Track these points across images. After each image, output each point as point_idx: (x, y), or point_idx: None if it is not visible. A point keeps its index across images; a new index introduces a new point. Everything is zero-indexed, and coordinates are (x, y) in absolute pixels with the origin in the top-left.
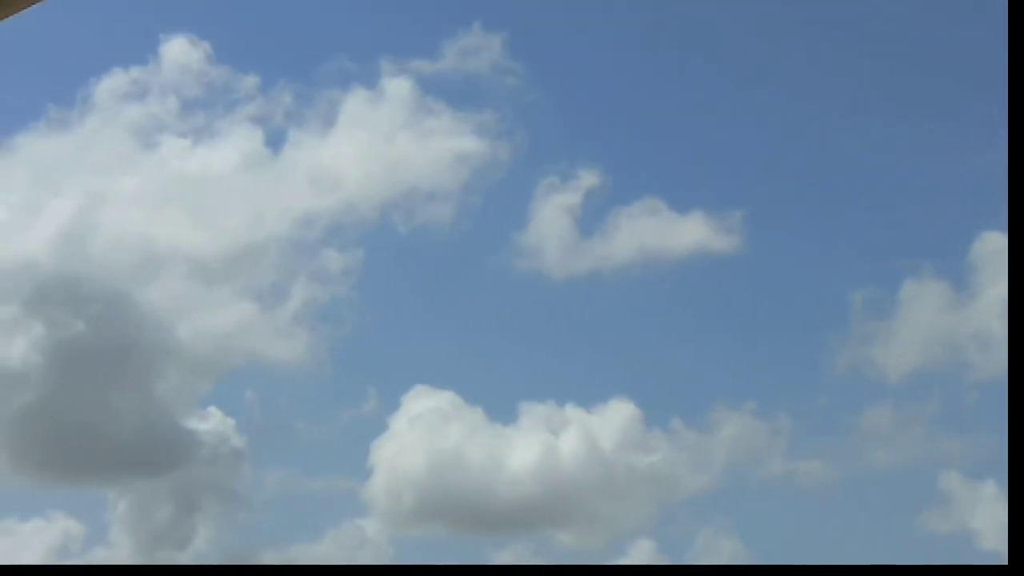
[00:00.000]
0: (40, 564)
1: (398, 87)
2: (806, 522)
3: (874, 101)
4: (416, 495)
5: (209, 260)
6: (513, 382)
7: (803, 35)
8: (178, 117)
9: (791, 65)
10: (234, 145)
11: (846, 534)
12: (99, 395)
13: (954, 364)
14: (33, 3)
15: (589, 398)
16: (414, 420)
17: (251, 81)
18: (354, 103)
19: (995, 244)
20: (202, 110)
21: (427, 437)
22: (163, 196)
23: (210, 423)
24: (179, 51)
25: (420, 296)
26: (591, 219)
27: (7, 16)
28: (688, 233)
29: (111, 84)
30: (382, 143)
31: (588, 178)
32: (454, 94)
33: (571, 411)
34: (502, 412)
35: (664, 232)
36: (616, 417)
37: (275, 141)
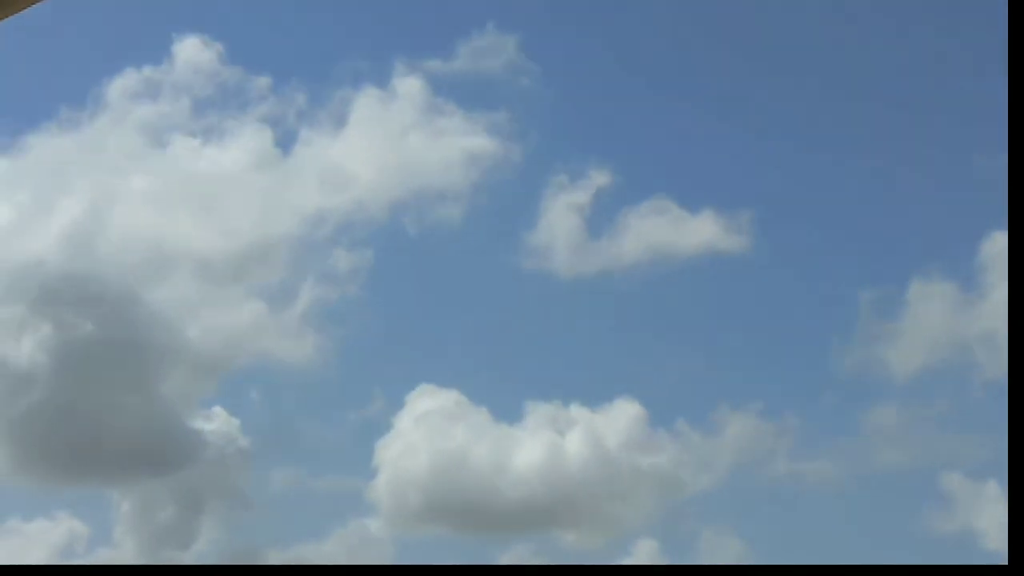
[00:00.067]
0: (44, 564)
1: (409, 87)
2: (810, 522)
3: (883, 101)
4: (420, 495)
5: (218, 260)
6: (519, 381)
7: (810, 34)
8: (190, 117)
9: (800, 64)
10: (244, 145)
11: (850, 534)
12: (105, 395)
13: (962, 364)
14: (33, 3)
15: (594, 398)
16: (419, 419)
17: (263, 82)
18: (366, 102)
19: (1004, 244)
20: (214, 110)
21: (432, 436)
22: (173, 196)
23: (215, 423)
24: (192, 51)
25: (428, 296)
26: (600, 218)
27: (7, 16)
28: (698, 232)
29: (123, 84)
30: (393, 143)
31: (598, 177)
32: (466, 94)
33: (576, 411)
34: (507, 411)
35: (674, 231)
36: (621, 417)
37: (285, 141)
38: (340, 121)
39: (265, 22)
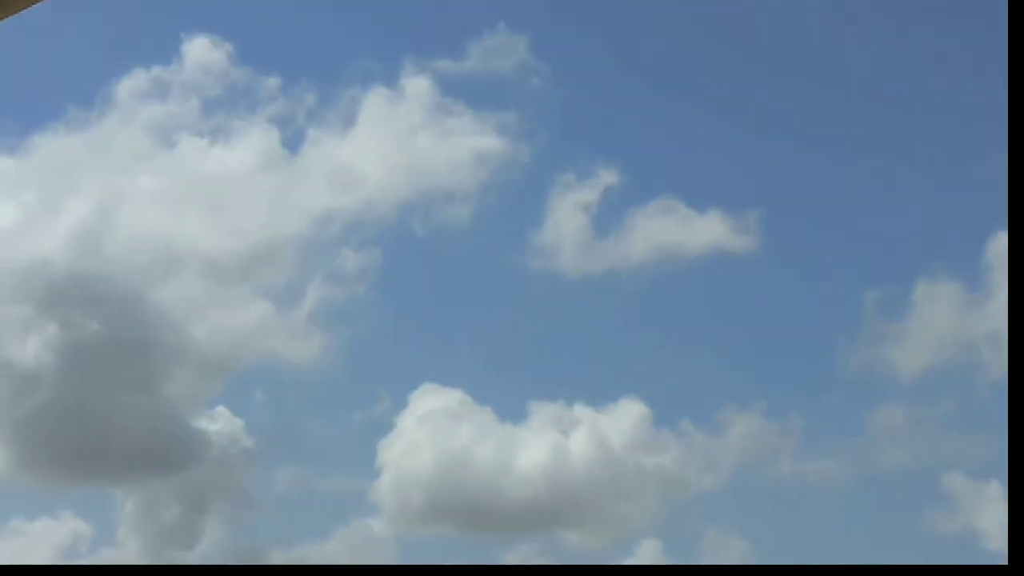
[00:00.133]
0: (47, 564)
1: (418, 86)
2: (813, 522)
3: (889, 102)
4: (424, 495)
5: (225, 260)
6: (523, 381)
7: (818, 36)
8: (198, 117)
9: (807, 66)
10: (251, 145)
11: (854, 534)
12: (110, 395)
13: (967, 364)
14: (34, 3)
15: (599, 397)
16: (422, 419)
17: (272, 82)
18: (375, 101)
19: None
20: (222, 110)
21: (435, 436)
22: (180, 196)
23: (219, 423)
24: (201, 52)
25: (434, 296)
26: (608, 218)
27: (7, 16)
28: (705, 232)
29: (132, 83)
30: (402, 143)
31: (606, 177)
32: (476, 94)
33: (580, 410)
34: (512, 411)
35: (681, 231)
36: (626, 417)
37: (293, 141)
38: (349, 121)
39: (275, 22)
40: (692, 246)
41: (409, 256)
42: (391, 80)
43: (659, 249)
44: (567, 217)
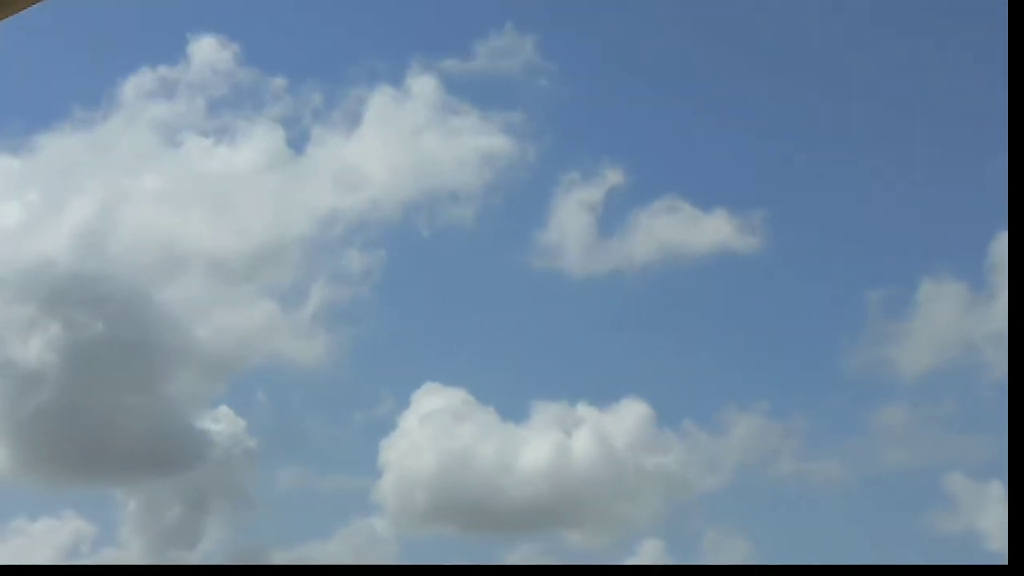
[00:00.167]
0: (49, 564)
1: (424, 86)
2: (815, 522)
3: (895, 102)
4: (426, 494)
5: (230, 260)
6: (526, 381)
7: (824, 37)
8: (204, 117)
9: (813, 66)
10: (256, 145)
11: (856, 535)
12: (113, 395)
13: (971, 364)
14: (34, 3)
15: (602, 397)
16: (425, 418)
17: (279, 83)
18: (380, 100)
19: None
20: (229, 110)
21: (438, 436)
22: (185, 195)
23: (222, 424)
24: (208, 51)
25: (438, 296)
26: (612, 217)
27: (7, 16)
28: (710, 232)
29: (138, 83)
30: (407, 142)
31: (612, 176)
32: (482, 94)
33: (583, 410)
34: (514, 411)
35: (686, 230)
36: (629, 416)
37: (299, 140)
38: (354, 121)
39: (282, 23)
40: (697, 246)
41: (413, 256)
42: (397, 80)
43: (664, 249)
44: (571, 217)
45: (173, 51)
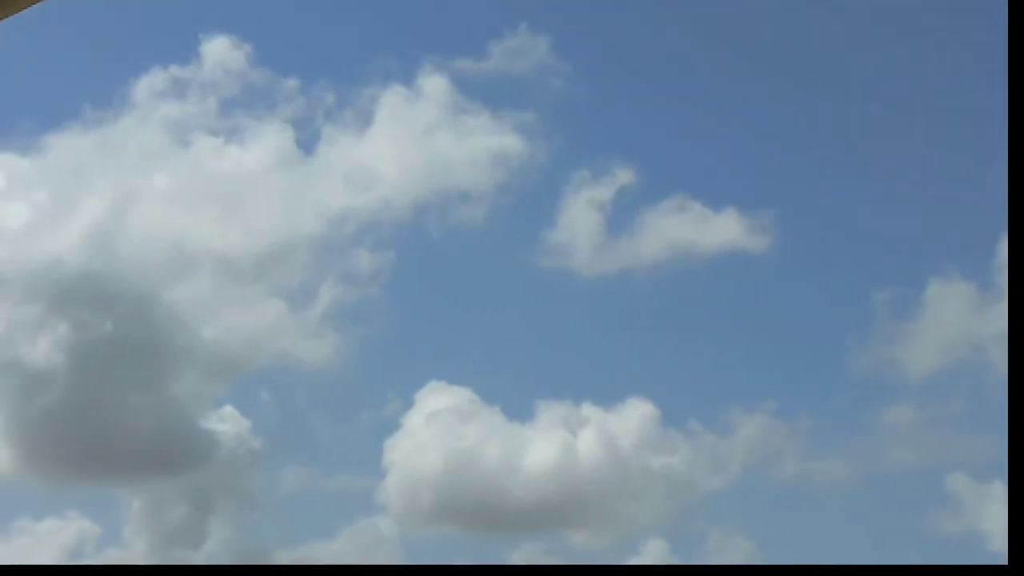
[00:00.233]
0: (53, 564)
1: (435, 86)
2: (819, 522)
3: (903, 103)
4: (431, 494)
5: (239, 259)
6: (532, 380)
7: (833, 36)
8: (216, 117)
9: (823, 68)
10: (266, 145)
11: (859, 535)
12: (119, 395)
13: (978, 365)
14: (34, 3)
15: (608, 397)
16: (430, 418)
17: (291, 83)
18: (392, 100)
19: None
20: (240, 110)
21: (443, 435)
22: (194, 195)
23: (227, 424)
24: (220, 52)
25: (447, 296)
26: (622, 217)
27: (7, 16)
28: (720, 231)
29: (150, 82)
30: (418, 142)
31: (622, 176)
32: (495, 94)
33: (589, 410)
34: (520, 410)
35: (696, 229)
36: (634, 416)
37: (309, 140)
38: (366, 120)
39: (295, 24)
40: (707, 245)
41: (423, 257)
42: (409, 79)
43: (673, 248)
44: (581, 216)
45: (186, 51)
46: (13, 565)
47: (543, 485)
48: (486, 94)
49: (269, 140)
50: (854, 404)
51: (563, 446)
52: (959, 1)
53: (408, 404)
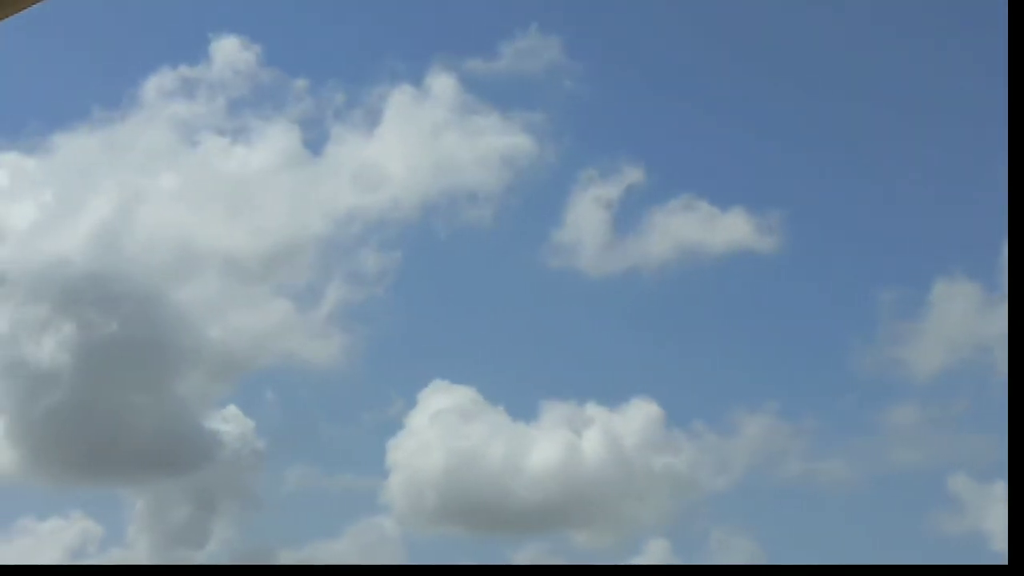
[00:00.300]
0: (56, 564)
1: (443, 85)
2: (822, 522)
3: (911, 104)
4: (434, 494)
5: (245, 259)
6: (537, 380)
7: (842, 36)
8: (224, 117)
9: (830, 68)
10: (273, 144)
11: (862, 535)
12: (124, 395)
13: (983, 365)
14: (34, 3)
15: (612, 397)
16: (434, 417)
17: (300, 84)
18: (400, 99)
19: None
20: (249, 110)
21: (446, 435)
22: (201, 195)
23: (231, 424)
24: (230, 52)
25: (453, 296)
26: (629, 216)
27: (7, 16)
28: (728, 231)
29: (159, 82)
30: (426, 142)
31: (631, 174)
32: (505, 94)
33: (593, 410)
34: (524, 410)
35: (704, 229)
36: (638, 416)
37: (317, 139)
38: (374, 120)
39: (306, 25)
40: (714, 245)
41: (430, 257)
42: (417, 79)
43: (681, 248)
44: (588, 214)
45: (195, 51)
46: (16, 565)
47: (547, 485)
48: (495, 94)
49: (276, 140)
50: (859, 404)
51: (567, 446)
52: (959, 1)
53: (411, 403)
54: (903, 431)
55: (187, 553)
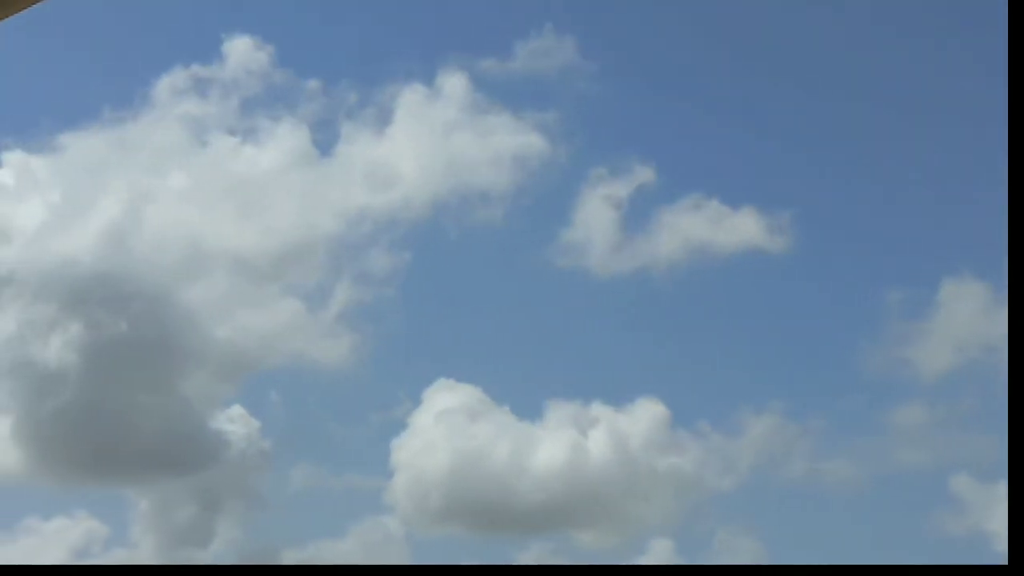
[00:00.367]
0: (60, 564)
1: (455, 85)
2: (826, 522)
3: (920, 104)
4: (438, 494)
5: (255, 259)
6: (543, 380)
7: (854, 39)
8: (236, 117)
9: (840, 69)
10: (284, 144)
11: (866, 535)
12: (130, 395)
13: (990, 365)
14: (34, 3)
15: (618, 397)
16: (438, 417)
17: (313, 84)
18: (412, 99)
19: None
20: (262, 110)
21: (451, 435)
22: (211, 194)
23: (236, 424)
24: (243, 52)
25: (461, 296)
26: (638, 215)
27: (7, 16)
28: (739, 230)
29: (171, 82)
30: (437, 141)
31: (642, 174)
32: (518, 94)
33: (598, 410)
34: (529, 409)
35: (713, 228)
36: (644, 416)
37: (328, 139)
38: (386, 119)
39: (319, 25)
40: (725, 244)
41: (439, 257)
42: (429, 79)
43: (691, 247)
44: (597, 214)
45: (208, 51)
46: (20, 565)
47: (551, 485)
48: (508, 94)
49: (287, 139)
50: (866, 404)
51: (572, 446)
52: (959, 1)
53: (416, 402)
54: (909, 431)
55: (192, 553)
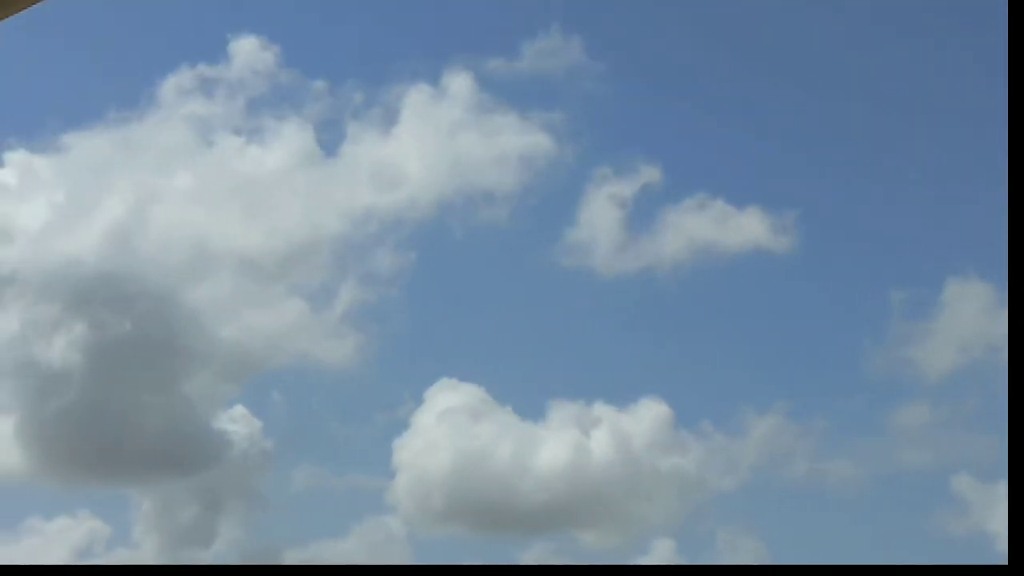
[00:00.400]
0: (64, 564)
1: (460, 85)
2: (828, 522)
3: (925, 105)
4: (440, 494)
5: (260, 259)
6: (546, 380)
7: (856, 39)
8: (242, 117)
9: (845, 70)
10: (289, 144)
11: (867, 535)
12: (133, 395)
13: (994, 365)
14: (34, 3)
15: (621, 397)
16: (441, 416)
17: (320, 85)
18: (417, 99)
19: None
20: (268, 110)
21: (453, 434)
22: (216, 194)
23: (238, 424)
24: (249, 52)
25: (466, 296)
26: (644, 215)
27: (7, 16)
28: (744, 230)
29: (177, 82)
30: (443, 141)
31: (647, 173)
32: (523, 93)
33: (601, 410)
34: (532, 409)
35: (718, 228)
36: (647, 417)
37: (334, 139)
38: (391, 119)
39: (325, 26)
40: (730, 244)
41: (445, 257)
42: (435, 79)
43: (695, 247)
44: (602, 213)
45: (214, 51)
46: (23, 565)
47: (554, 485)
48: (515, 94)
49: (293, 139)
50: (869, 404)
51: (575, 446)
52: (959, 1)
53: (418, 402)
54: (913, 431)
55: (194, 553)
